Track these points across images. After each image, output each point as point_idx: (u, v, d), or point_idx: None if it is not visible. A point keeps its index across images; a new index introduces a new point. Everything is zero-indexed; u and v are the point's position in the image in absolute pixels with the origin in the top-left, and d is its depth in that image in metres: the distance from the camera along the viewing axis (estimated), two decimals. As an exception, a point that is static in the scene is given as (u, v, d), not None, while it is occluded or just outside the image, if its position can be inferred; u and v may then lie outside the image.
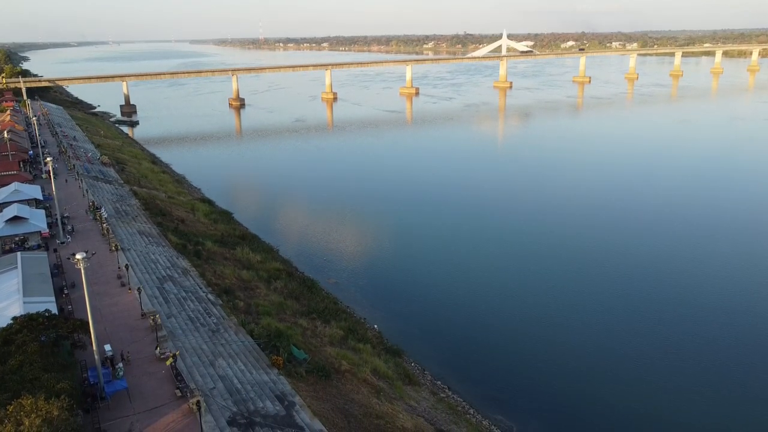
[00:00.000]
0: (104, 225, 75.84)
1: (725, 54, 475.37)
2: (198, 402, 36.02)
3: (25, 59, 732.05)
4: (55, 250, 67.39)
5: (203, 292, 61.37)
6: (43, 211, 78.38)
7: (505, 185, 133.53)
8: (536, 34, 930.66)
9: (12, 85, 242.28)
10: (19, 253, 62.04)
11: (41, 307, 45.51)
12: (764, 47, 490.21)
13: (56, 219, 75.84)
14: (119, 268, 62.12)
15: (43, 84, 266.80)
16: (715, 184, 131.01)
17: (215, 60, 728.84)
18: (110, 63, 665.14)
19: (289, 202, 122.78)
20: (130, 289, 56.90)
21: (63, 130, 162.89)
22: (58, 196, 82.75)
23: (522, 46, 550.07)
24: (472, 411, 53.93)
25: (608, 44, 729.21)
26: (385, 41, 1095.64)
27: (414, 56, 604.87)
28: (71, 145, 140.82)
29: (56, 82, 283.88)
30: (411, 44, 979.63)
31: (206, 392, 40.78)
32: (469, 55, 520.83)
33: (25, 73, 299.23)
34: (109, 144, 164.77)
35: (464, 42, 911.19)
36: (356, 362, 53.50)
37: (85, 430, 35.08)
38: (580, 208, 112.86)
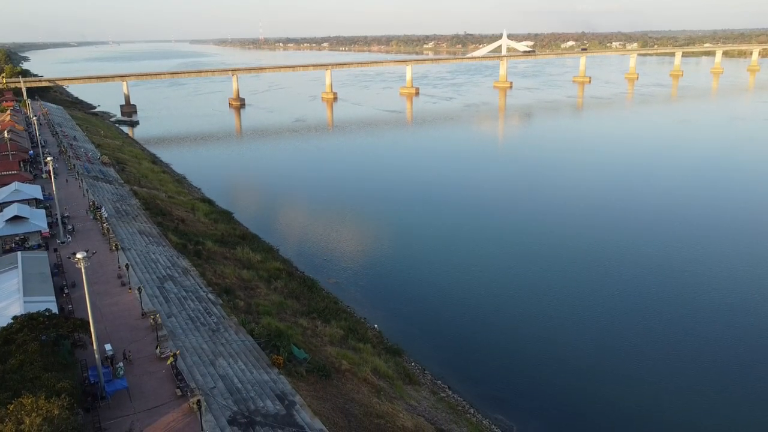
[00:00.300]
0: (104, 225, 75.87)
1: (725, 54, 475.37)
2: (198, 401, 36.02)
3: (25, 59, 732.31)
4: (56, 250, 67.45)
5: (203, 291, 61.39)
6: (43, 211, 78.37)
7: (506, 185, 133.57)
8: (536, 34, 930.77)
9: (12, 85, 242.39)
10: (19, 253, 62.06)
11: (41, 307, 45.53)
12: (764, 47, 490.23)
13: (56, 219, 75.88)
14: (119, 267, 62.17)
15: (44, 84, 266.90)
16: (715, 184, 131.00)
17: (215, 60, 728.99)
18: (110, 63, 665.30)
19: (289, 202, 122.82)
20: (130, 288, 56.91)
21: (63, 130, 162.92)
22: (58, 195, 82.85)
23: (522, 46, 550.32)
24: (472, 410, 53.95)
25: (608, 44, 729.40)
26: (385, 41, 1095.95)
27: (414, 56, 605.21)
28: (71, 144, 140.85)
29: (56, 82, 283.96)
30: (411, 44, 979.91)
31: (206, 391, 40.78)
32: (469, 55, 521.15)
33: (25, 73, 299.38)
34: (110, 144, 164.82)
35: (464, 42, 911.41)
36: (356, 362, 53.51)
37: (86, 429, 35.09)
38: (581, 208, 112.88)
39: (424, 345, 65.45)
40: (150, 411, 38.53)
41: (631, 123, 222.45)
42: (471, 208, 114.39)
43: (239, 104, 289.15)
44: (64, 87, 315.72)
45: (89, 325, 40.55)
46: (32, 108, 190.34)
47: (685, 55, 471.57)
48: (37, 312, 42.97)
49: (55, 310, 47.98)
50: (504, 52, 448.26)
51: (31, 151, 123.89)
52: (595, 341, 65.49)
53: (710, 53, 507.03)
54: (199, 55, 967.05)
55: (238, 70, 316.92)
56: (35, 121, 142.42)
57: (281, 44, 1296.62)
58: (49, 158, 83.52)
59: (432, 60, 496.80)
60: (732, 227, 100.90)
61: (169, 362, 43.12)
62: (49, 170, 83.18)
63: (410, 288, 79.82)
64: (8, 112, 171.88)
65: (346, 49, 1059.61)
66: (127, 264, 60.52)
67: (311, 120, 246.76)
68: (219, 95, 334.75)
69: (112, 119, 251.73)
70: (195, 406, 36.05)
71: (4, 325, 41.58)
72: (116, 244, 68.62)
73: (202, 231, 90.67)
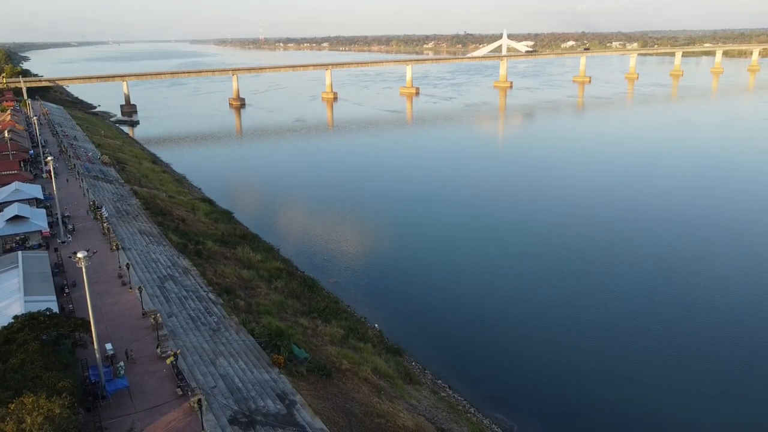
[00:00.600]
0: (105, 224, 75.90)
1: (725, 54, 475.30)
2: (199, 400, 36.00)
3: (26, 59, 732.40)
4: (56, 250, 67.51)
5: (204, 291, 61.42)
6: (43, 211, 78.39)
7: (506, 185, 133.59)
8: (536, 34, 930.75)
9: (12, 85, 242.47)
10: (19, 252, 62.09)
11: (42, 306, 45.54)
12: (764, 47, 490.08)
13: (57, 218, 75.92)
14: (120, 267, 62.22)
15: (44, 84, 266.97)
16: (716, 184, 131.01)
17: (215, 60, 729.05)
18: (110, 63, 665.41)
19: (289, 202, 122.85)
20: (131, 288, 56.94)
21: (63, 130, 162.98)
22: (58, 195, 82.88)
23: (522, 46, 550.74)
24: (472, 410, 53.96)
25: (608, 44, 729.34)
26: (385, 41, 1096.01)
27: (414, 56, 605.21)
28: (72, 144, 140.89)
29: (56, 81, 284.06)
30: (411, 44, 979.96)
31: (207, 391, 40.80)
32: (470, 55, 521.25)
33: (26, 73, 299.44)
34: (110, 144, 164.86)
35: (464, 42, 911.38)
36: (357, 361, 53.55)
37: (87, 428, 35.12)
38: (581, 208, 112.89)
39: (425, 344, 65.47)
40: (151, 410, 38.56)
41: (631, 123, 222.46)
42: (471, 208, 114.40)
43: (239, 104, 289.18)
44: (64, 87, 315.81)
45: (90, 325, 40.57)
46: (32, 108, 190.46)
47: (685, 55, 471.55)
48: (38, 311, 42.98)
49: (55, 309, 48.02)
50: (504, 52, 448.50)
51: (32, 151, 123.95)
52: (595, 341, 65.50)
53: (710, 53, 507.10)
54: (199, 55, 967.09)
55: (238, 70, 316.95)
56: (35, 121, 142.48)
57: (281, 44, 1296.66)
58: (49, 158, 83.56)
59: (432, 60, 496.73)
60: (732, 227, 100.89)
61: (169, 362, 43.15)
62: (50, 170, 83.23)
63: (410, 288, 79.84)
64: (8, 111, 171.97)
65: (346, 49, 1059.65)
66: (127, 263, 60.54)
67: (311, 120, 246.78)
68: (219, 95, 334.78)
69: (113, 119, 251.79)
70: (196, 405, 36.05)
71: (5, 324, 41.59)
72: (117, 244, 68.66)
73: (202, 231, 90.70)
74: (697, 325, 68.29)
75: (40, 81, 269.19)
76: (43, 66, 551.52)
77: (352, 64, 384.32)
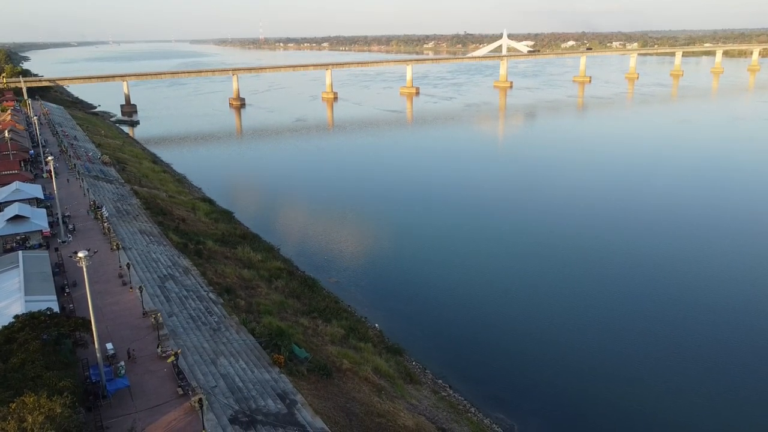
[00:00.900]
0: (105, 224, 75.93)
1: (726, 54, 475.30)
2: (200, 400, 35.99)
3: (26, 59, 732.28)
4: (57, 249, 67.54)
5: (204, 291, 61.44)
6: (44, 210, 78.44)
7: (506, 185, 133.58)
8: (536, 34, 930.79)
9: (12, 85, 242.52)
10: (20, 252, 62.15)
11: (43, 306, 45.58)
12: (765, 47, 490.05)
13: (57, 218, 75.92)
14: (120, 267, 62.25)
15: (44, 84, 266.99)
16: (716, 184, 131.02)
17: (215, 60, 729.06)
18: (110, 63, 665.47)
19: (289, 202, 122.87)
20: (131, 287, 56.96)
21: (64, 130, 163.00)
22: (59, 195, 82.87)
23: (523, 46, 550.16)
24: (473, 409, 53.98)
25: (608, 44, 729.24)
26: (385, 41, 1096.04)
27: (414, 56, 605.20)
28: (72, 144, 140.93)
29: (57, 81, 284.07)
30: (411, 44, 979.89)
31: (208, 390, 40.81)
32: (470, 55, 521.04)
33: (26, 73, 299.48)
34: (110, 143, 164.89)
35: (464, 42, 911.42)
36: (357, 361, 53.58)
37: (88, 427, 35.12)
38: (581, 208, 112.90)
39: (425, 344, 65.48)
40: (151, 410, 38.58)
41: (631, 123, 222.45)
42: (471, 208, 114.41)
43: (239, 104, 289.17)
44: (64, 87, 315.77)
45: (90, 324, 40.60)
46: (33, 108, 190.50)
47: (685, 54, 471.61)
48: (39, 311, 43.04)
49: (56, 309, 48.05)
50: (504, 51, 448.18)
51: (32, 151, 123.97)
52: (595, 341, 65.51)
53: (710, 53, 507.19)
54: (199, 55, 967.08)
55: (239, 69, 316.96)
56: (36, 121, 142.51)
57: (281, 44, 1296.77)
58: (49, 158, 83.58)
59: (432, 60, 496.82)
60: (732, 227, 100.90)
61: (170, 361, 43.17)
62: (50, 170, 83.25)
63: (411, 287, 79.84)
64: (9, 111, 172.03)
65: (346, 49, 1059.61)
66: (128, 263, 60.55)
67: (311, 120, 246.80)
68: (219, 95, 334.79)
69: (113, 119, 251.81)
70: (196, 404, 36.04)
71: (6, 324, 41.64)
72: (117, 244, 68.69)
73: (202, 230, 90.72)
74: (697, 325, 68.29)
75: (40, 81, 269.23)
76: (43, 66, 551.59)
77: (352, 64, 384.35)
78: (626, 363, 60.98)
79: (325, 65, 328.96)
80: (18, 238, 69.27)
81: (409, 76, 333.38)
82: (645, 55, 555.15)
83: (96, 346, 40.06)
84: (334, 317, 64.59)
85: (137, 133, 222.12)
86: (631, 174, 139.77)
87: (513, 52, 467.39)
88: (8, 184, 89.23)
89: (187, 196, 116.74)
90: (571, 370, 59.86)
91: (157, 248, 73.59)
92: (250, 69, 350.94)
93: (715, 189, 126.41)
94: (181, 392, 40.08)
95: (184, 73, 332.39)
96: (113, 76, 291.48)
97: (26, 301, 49.19)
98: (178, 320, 52.60)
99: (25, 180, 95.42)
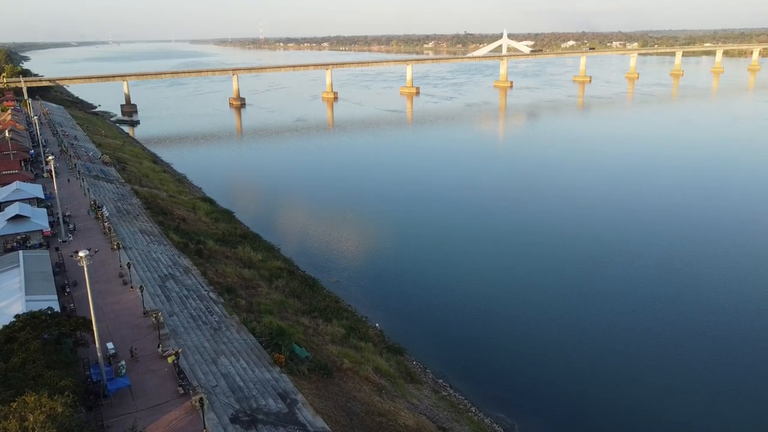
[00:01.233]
0: (106, 224, 75.95)
1: (726, 53, 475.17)
2: (201, 399, 36.04)
3: (26, 59, 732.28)
4: (57, 249, 67.58)
5: (205, 290, 61.45)
6: (44, 210, 78.45)
7: (507, 185, 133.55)
8: (536, 34, 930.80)
9: (13, 85, 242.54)
10: (21, 252, 62.17)
11: (43, 305, 45.56)
12: (765, 47, 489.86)
13: (58, 218, 75.93)
14: (121, 266, 62.27)
15: (44, 84, 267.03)
16: (716, 183, 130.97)
17: (215, 60, 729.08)
18: (110, 63, 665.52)
19: (290, 202, 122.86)
20: (132, 287, 56.97)
21: (64, 130, 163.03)
22: (59, 195, 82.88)
23: (523, 45, 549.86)
24: (473, 409, 53.98)
25: (608, 44, 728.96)
26: (385, 41, 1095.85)
27: (414, 56, 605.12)
28: (72, 144, 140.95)
29: (57, 81, 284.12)
30: (411, 44, 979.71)
31: (209, 390, 40.83)
32: (470, 55, 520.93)
33: (26, 73, 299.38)
34: (110, 143, 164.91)
35: (464, 42, 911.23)
36: (358, 360, 53.60)
37: (89, 427, 35.12)
38: (582, 208, 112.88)
39: (426, 344, 65.47)
40: (152, 409, 38.60)
41: (631, 123, 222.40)
42: (472, 208, 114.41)
43: (240, 104, 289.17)
44: (64, 87, 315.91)
45: (91, 324, 40.61)
46: (33, 107, 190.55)
47: (685, 54, 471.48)
48: (39, 310, 43.02)
49: (56, 308, 48.07)
50: (504, 51, 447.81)
51: (32, 151, 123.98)
52: (596, 341, 65.51)
53: (711, 53, 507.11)
54: (200, 55, 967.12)
55: (239, 69, 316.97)
56: (36, 121, 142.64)
57: (281, 44, 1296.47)
58: (50, 157, 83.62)
59: (432, 60, 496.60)
60: (733, 227, 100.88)
61: (170, 360, 43.18)
62: (50, 169, 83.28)
63: (411, 287, 79.83)
64: (9, 111, 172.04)
65: (347, 48, 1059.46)
66: (128, 263, 60.55)
67: (312, 120, 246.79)
68: (219, 95, 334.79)
69: (113, 119, 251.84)
70: (197, 404, 36.08)
71: (7, 323, 41.64)
72: (117, 243, 68.71)
73: (203, 230, 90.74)
74: (698, 324, 68.27)
75: (40, 81, 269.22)
76: (43, 66, 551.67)
77: (352, 63, 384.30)
78: (627, 362, 60.96)
79: (325, 65, 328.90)
80: (18, 237, 69.29)
81: (409, 76, 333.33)
82: (645, 54, 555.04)
83: (97, 345, 40.08)
84: (334, 317, 64.60)
85: (137, 132, 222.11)
86: (631, 174, 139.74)
87: (513, 52, 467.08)
88: (9, 183, 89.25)
89: (188, 196, 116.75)
90: (571, 369, 59.86)
91: (158, 248, 73.61)
92: (250, 69, 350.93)
93: (715, 189, 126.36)
94: (182, 391, 40.09)
95: (184, 73, 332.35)
96: (113, 76, 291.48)
97: (27, 301, 49.20)
98: (178, 320, 52.62)
99: (25, 180, 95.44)
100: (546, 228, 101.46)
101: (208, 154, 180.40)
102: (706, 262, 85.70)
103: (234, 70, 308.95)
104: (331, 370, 49.17)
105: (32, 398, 30.77)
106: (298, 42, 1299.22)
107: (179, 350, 44.12)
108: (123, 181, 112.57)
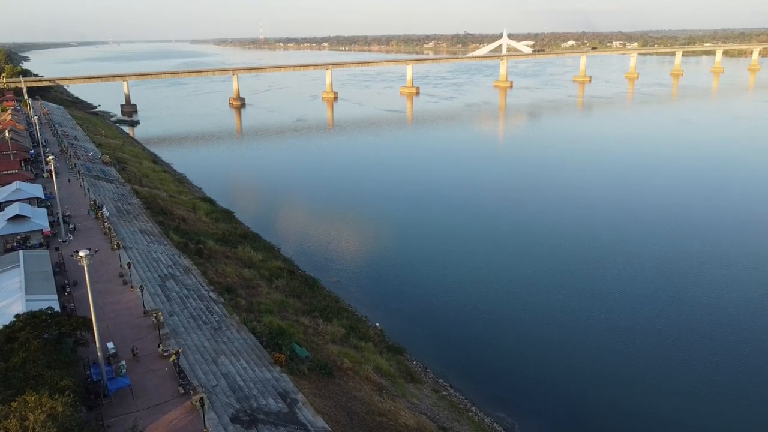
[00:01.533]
0: (106, 224, 75.93)
1: (726, 53, 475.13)
2: (201, 399, 36.01)
3: (26, 59, 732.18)
4: (57, 249, 67.57)
5: (205, 290, 61.44)
6: (44, 210, 78.43)
7: (507, 185, 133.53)
8: (536, 34, 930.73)
9: (13, 85, 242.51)
10: (21, 252, 62.16)
11: (44, 305, 45.53)
12: (764, 46, 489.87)
13: (58, 218, 75.92)
14: (121, 266, 62.25)
15: (44, 84, 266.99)
16: (717, 183, 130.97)
17: (215, 60, 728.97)
18: (110, 63, 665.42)
19: (290, 202, 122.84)
20: (132, 287, 56.96)
21: (64, 130, 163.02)
22: (59, 195, 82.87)
23: (523, 45, 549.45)
24: (474, 409, 53.97)
25: (608, 44, 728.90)
26: (385, 41, 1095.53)
27: (414, 56, 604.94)
28: (72, 144, 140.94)
29: (57, 81, 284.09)
30: (411, 44, 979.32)
31: (209, 389, 40.82)
32: (470, 55, 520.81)
33: (26, 73, 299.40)
34: (110, 143, 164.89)
35: (464, 42, 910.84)
36: (358, 360, 53.60)
37: (89, 426, 35.11)
38: (582, 208, 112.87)
39: (426, 343, 65.47)
40: (153, 408, 38.59)
41: (631, 122, 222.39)
42: (472, 208, 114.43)
43: (240, 104, 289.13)
44: (64, 87, 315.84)
45: (91, 323, 40.59)
46: (33, 107, 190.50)
47: (685, 54, 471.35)
48: (40, 310, 43.02)
49: (57, 308, 48.06)
50: (504, 51, 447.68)
51: (32, 151, 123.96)
52: (596, 340, 65.50)
53: (710, 52, 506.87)
54: (199, 55, 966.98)
55: (239, 69, 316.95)
56: (36, 121, 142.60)
57: (281, 44, 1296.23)
58: (50, 157, 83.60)
59: (432, 59, 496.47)
60: (733, 227, 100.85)
61: (171, 360, 43.17)
62: (50, 169, 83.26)
63: (411, 287, 79.83)
64: (9, 111, 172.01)
65: (346, 48, 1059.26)
66: (128, 262, 60.51)
67: (312, 119, 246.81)
68: (219, 95, 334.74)
69: (113, 119, 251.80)
70: (198, 403, 36.04)
71: (7, 323, 41.63)
72: (118, 243, 68.70)
73: (203, 230, 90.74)
74: (698, 324, 68.26)
75: (40, 81, 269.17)
76: (43, 66, 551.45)
77: (352, 63, 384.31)
78: (627, 362, 60.95)
79: (325, 65, 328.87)
80: (18, 237, 69.27)
81: (409, 76, 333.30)
82: (645, 54, 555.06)
83: (97, 345, 40.06)
84: (334, 316, 64.60)
85: (137, 132, 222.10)
86: (631, 174, 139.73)
87: (513, 52, 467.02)
88: (9, 183, 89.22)
89: (188, 196, 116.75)
90: (572, 369, 59.84)
91: (158, 248, 73.60)
92: (250, 69, 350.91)
93: (715, 189, 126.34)
94: (182, 391, 40.08)
95: (184, 73, 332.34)
96: (113, 76, 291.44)
97: (27, 301, 49.19)
98: (178, 319, 52.61)
99: (25, 180, 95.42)
100: (546, 228, 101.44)
101: (208, 154, 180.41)
102: (706, 262, 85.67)
103: (234, 70, 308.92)
104: (331, 370, 49.16)
105: (33, 398, 30.75)
106: (298, 42, 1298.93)
107: (179, 350, 44.11)
108: (123, 181, 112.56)
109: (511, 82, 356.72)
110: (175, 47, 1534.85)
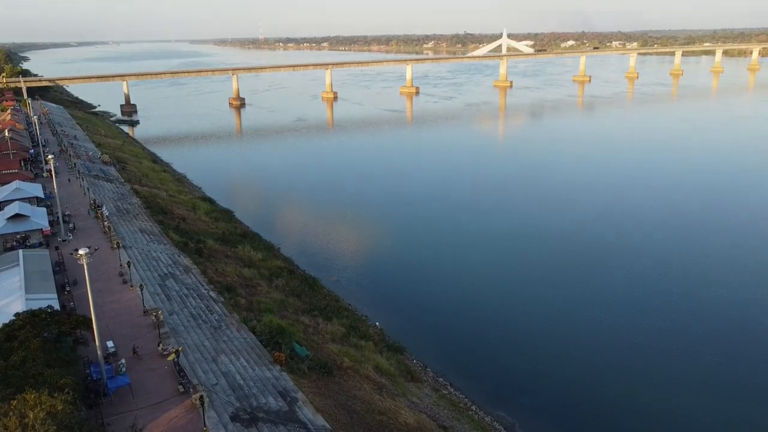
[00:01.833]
0: (105, 223, 75.90)
1: (725, 53, 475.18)
2: (201, 397, 35.99)
3: (26, 59, 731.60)
4: (57, 248, 67.53)
5: (205, 289, 61.43)
6: (44, 209, 78.43)
7: (507, 184, 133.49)
8: (536, 34, 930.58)
9: (12, 85, 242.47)
10: (20, 251, 62.12)
11: (43, 304, 45.49)
12: (764, 46, 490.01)
13: (57, 217, 75.92)
14: (121, 265, 62.23)
15: (44, 83, 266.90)
16: (717, 183, 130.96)
17: (215, 60, 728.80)
18: (110, 63, 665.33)
19: (289, 201, 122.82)
20: (131, 286, 56.94)
21: (64, 129, 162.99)
22: (59, 194, 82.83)
23: (523, 45, 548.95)
24: (474, 407, 53.95)
25: (608, 44, 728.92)
26: (385, 41, 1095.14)
27: (414, 56, 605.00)
28: (72, 144, 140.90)
29: (56, 81, 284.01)
30: (411, 44, 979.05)
31: (209, 388, 40.80)
32: (470, 55, 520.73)
33: (26, 73, 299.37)
34: (110, 143, 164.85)
35: (464, 41, 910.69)
36: (358, 359, 53.58)
37: (89, 425, 35.08)
38: (582, 206, 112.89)
39: (426, 342, 65.47)
40: (153, 407, 38.57)
41: (631, 122, 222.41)
42: (472, 207, 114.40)
43: (239, 104, 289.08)
44: (64, 87, 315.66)
45: (91, 322, 40.56)
46: (33, 107, 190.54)
47: (685, 54, 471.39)
48: (39, 309, 42.99)
49: (56, 307, 48.02)
50: (504, 51, 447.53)
51: (32, 150, 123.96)
52: (597, 339, 65.48)
53: (710, 52, 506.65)
54: (199, 55, 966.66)
55: (238, 69, 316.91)
56: (36, 121, 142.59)
57: (281, 44, 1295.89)
58: (50, 157, 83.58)
59: (432, 59, 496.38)
60: (734, 226, 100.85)
61: (171, 359, 43.14)
62: (50, 169, 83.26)
63: (411, 286, 79.83)
64: (9, 111, 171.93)
65: (346, 48, 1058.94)
66: (128, 262, 60.47)
67: (311, 119, 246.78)
68: (219, 95, 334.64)
69: (113, 119, 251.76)
70: (197, 402, 36.04)
71: (7, 321, 41.59)
72: (117, 242, 68.68)
73: (203, 229, 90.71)
74: (700, 322, 68.27)
75: (40, 81, 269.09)
76: (42, 66, 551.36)
77: (352, 63, 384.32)
78: (627, 361, 60.91)
79: (325, 65, 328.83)
80: (18, 236, 69.26)
81: (409, 76, 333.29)
82: (645, 54, 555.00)
83: (97, 343, 40.04)
84: (334, 315, 64.60)
85: (137, 132, 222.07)
86: (631, 173, 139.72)
87: (513, 52, 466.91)
88: (8, 183, 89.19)
89: (187, 196, 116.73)
90: (572, 367, 59.84)
91: (158, 247, 73.58)
92: (250, 69, 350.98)
93: (715, 188, 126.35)
94: (182, 390, 40.06)
95: (184, 73, 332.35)
96: (113, 76, 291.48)
97: (27, 299, 49.18)
98: (178, 318, 52.59)
99: (25, 179, 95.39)
100: (546, 227, 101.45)
101: (208, 153, 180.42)
102: (706, 261, 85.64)
103: (234, 70, 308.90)
104: (331, 369, 49.15)
105: (32, 396, 30.73)
106: (298, 42, 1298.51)
107: (179, 348, 44.08)
108: (123, 180, 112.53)
109: (511, 82, 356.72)
110: (175, 47, 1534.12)
